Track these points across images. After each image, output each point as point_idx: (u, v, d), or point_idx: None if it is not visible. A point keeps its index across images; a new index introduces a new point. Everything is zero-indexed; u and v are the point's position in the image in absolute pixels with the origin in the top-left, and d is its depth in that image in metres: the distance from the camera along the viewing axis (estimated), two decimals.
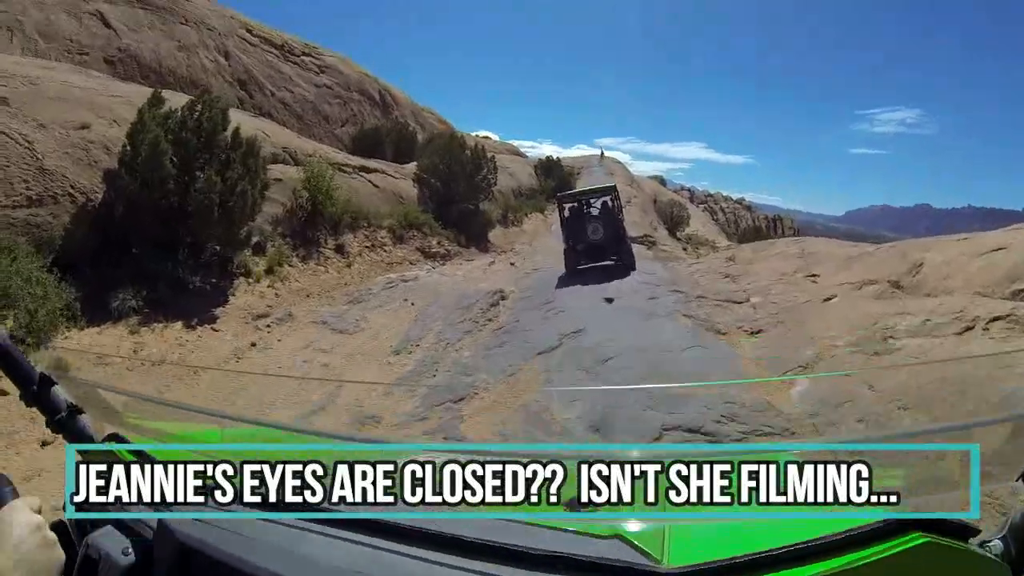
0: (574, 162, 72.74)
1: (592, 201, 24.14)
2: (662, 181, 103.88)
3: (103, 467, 1.57)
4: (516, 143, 68.26)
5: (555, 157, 63.10)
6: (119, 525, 1.61)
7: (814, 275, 19.06)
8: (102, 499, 1.54)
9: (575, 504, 1.40)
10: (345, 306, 18.87)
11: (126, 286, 15.45)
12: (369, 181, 30.26)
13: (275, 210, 22.33)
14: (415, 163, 35.53)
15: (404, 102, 55.13)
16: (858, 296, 15.81)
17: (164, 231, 16.91)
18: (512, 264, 29.18)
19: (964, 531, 1.27)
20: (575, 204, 24.07)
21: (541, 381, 12.00)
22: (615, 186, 25.86)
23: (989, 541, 1.36)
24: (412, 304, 19.10)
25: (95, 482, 1.54)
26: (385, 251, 25.89)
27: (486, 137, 68.45)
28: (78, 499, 1.55)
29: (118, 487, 1.53)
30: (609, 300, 17.62)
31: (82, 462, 1.64)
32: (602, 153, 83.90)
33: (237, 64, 37.80)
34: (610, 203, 23.73)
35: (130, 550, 1.52)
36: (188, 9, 36.34)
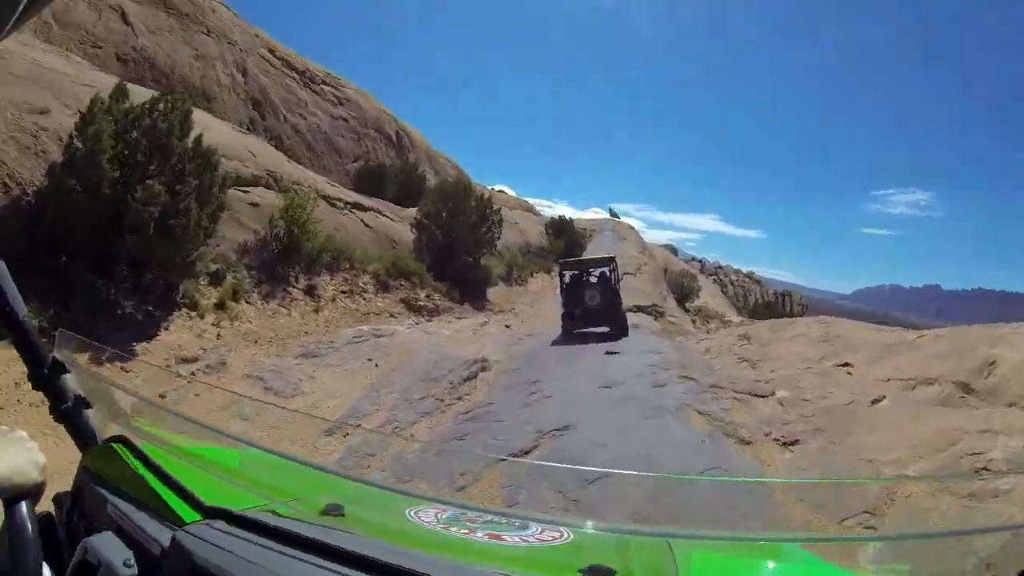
0: (587, 224, 70.23)
1: (591, 270, 24.12)
2: (673, 250, 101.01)
3: (105, 468, 1.73)
4: (531, 200, 65.62)
5: (568, 217, 60.66)
6: (119, 532, 1.52)
7: (846, 364, 15.68)
8: (102, 502, 1.62)
9: (591, 573, 1.38)
10: (295, 360, 15.44)
11: (32, 300, 11.98)
12: (361, 220, 27.36)
13: (244, 237, 19.72)
14: (417, 208, 32.37)
15: (420, 145, 52.65)
16: (915, 400, 12.35)
17: (98, 243, 13.88)
18: (507, 327, 25.70)
19: None
20: (575, 272, 23.90)
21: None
22: (614, 257, 25.65)
23: None
24: (376, 366, 15.72)
25: (95, 483, 1.70)
26: (364, 299, 22.66)
27: (501, 191, 65.97)
28: (75, 495, 1.74)
29: (120, 493, 1.63)
30: (607, 387, 14.10)
31: (84, 460, 1.81)
32: (611, 211, 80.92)
33: (254, 83, 35.40)
34: (608, 273, 23.71)
35: (132, 562, 1.42)
36: (212, 20, 34.13)
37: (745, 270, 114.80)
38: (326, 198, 25.74)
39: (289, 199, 21.21)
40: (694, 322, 41.64)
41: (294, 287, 20.25)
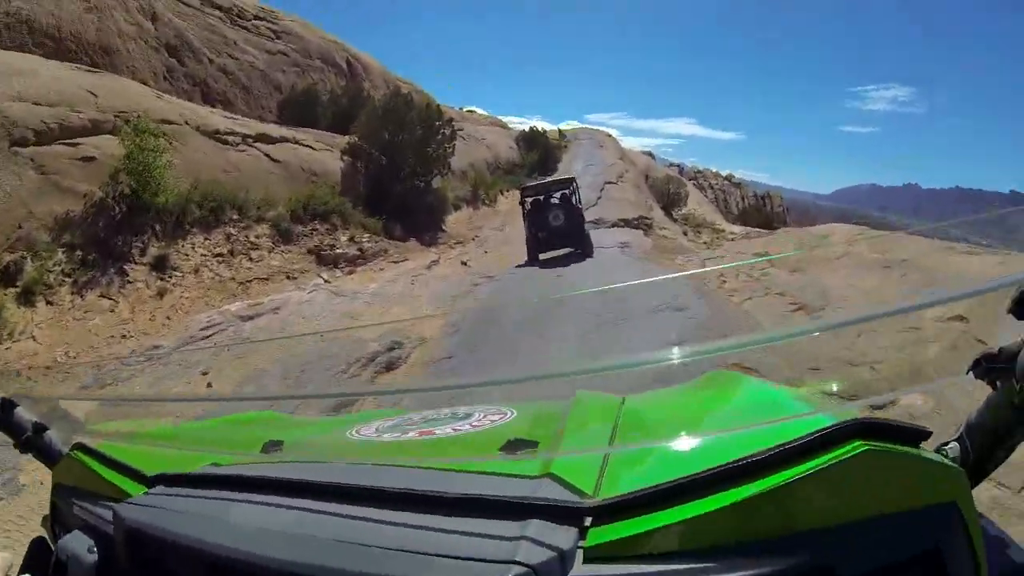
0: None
1: (553, 193, 22.61)
2: (651, 157, 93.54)
3: (69, 476, 1.67)
4: (505, 119, 57.84)
5: (540, 128, 52.56)
6: (85, 528, 1.47)
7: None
8: (71, 507, 1.58)
9: (511, 447, 1.30)
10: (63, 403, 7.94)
11: None
12: (266, 155, 20.47)
13: (68, 205, 13.85)
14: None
15: (376, 71, 44.94)
16: None
17: None
18: (464, 264, 19.51)
19: (914, 435, 1.01)
20: (537, 196, 22.25)
21: None
22: (574, 178, 24.16)
23: (946, 444, 1.17)
24: (209, 386, 9.05)
25: (64, 493, 1.64)
26: (251, 259, 15.86)
27: (471, 111, 58.09)
28: (52, 511, 1.69)
29: (82, 493, 1.58)
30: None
31: (53, 477, 1.73)
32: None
33: (166, 28, 28.92)
34: (569, 193, 22.26)
35: (94, 548, 1.38)
36: None
37: (724, 173, 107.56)
38: (213, 134, 19.27)
39: (130, 143, 14.53)
40: (685, 233, 34.82)
41: (136, 263, 13.58)
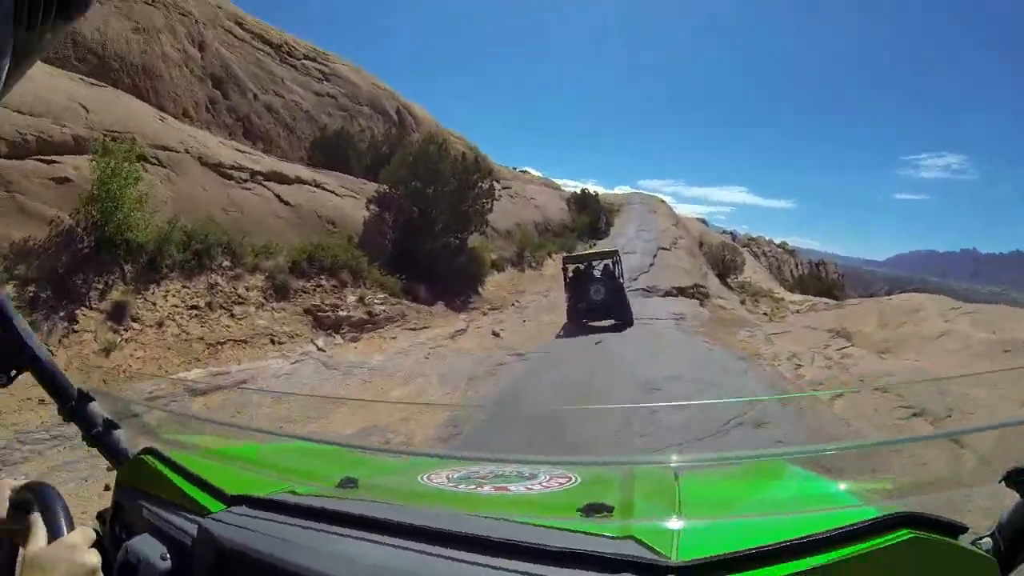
0: (615, 199, 59.37)
1: (595, 264, 21.95)
2: (704, 223, 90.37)
3: (138, 479, 1.72)
4: (558, 181, 55.39)
5: (592, 191, 49.58)
6: (155, 532, 1.52)
7: None
8: (138, 509, 1.62)
9: (589, 510, 1.39)
10: None
11: None
12: (277, 196, 18.00)
13: (30, 231, 11.59)
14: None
15: (428, 123, 42.46)
16: None
17: None
18: (496, 335, 16.67)
19: (953, 528, 1.15)
20: (578, 266, 21.66)
21: None
22: (617, 251, 23.17)
23: (980, 538, 1.20)
24: None
25: (130, 494, 1.69)
26: (231, 316, 13.08)
27: (524, 171, 55.84)
28: (114, 509, 1.74)
29: (152, 498, 1.63)
30: None
31: (118, 476, 1.77)
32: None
33: (213, 58, 27.71)
34: (612, 265, 21.49)
35: (167, 555, 1.42)
36: None
37: (777, 240, 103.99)
38: (215, 166, 16.80)
39: (102, 166, 12.05)
40: (743, 303, 31.72)
41: (90, 308, 10.96)
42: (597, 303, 19.05)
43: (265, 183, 18.02)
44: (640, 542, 1.17)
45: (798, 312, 25.17)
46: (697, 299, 26.25)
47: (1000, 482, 1.17)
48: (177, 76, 25.12)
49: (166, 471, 1.70)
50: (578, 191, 48.69)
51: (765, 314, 27.56)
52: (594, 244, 38.98)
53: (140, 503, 1.64)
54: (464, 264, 21.29)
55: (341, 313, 14.49)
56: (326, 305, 14.44)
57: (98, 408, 1.72)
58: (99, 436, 1.72)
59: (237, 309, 13.06)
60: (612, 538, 1.21)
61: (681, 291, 26.58)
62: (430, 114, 45.21)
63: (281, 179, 18.69)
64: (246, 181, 17.56)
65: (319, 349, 12.86)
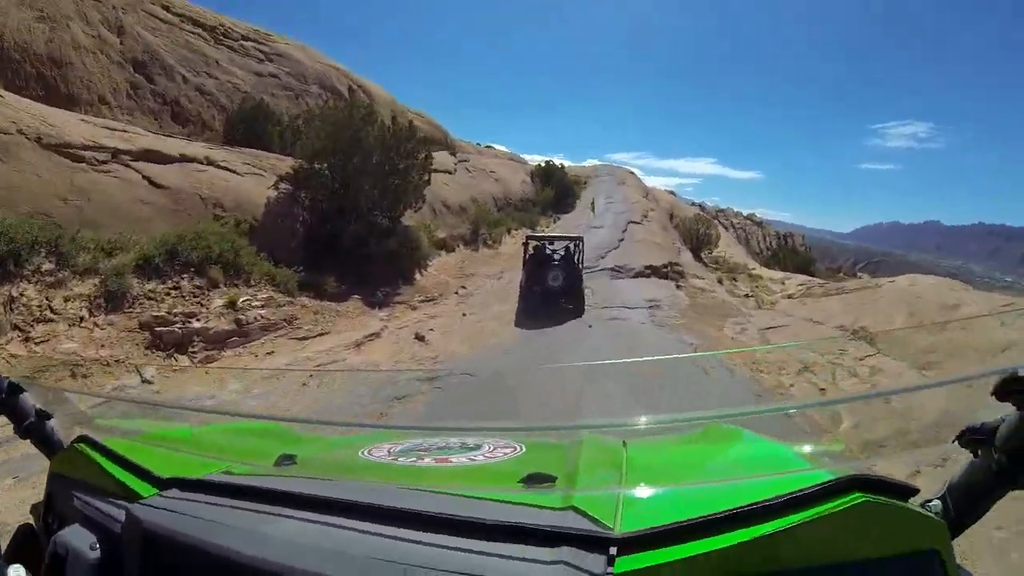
0: (582, 171, 54.77)
1: (558, 248, 19.38)
2: (674, 195, 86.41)
3: (70, 468, 1.60)
4: (526, 157, 51.05)
5: (558, 163, 44.99)
6: (87, 523, 1.40)
7: None
8: (69, 499, 1.51)
9: (531, 480, 1.35)
10: None
11: None
12: (147, 179, 13.93)
13: None
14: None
15: (384, 100, 37.90)
16: None
17: None
18: (420, 339, 12.35)
19: (904, 491, 1.12)
20: (540, 246, 19.02)
21: None
22: (582, 237, 19.69)
23: (930, 501, 1.23)
24: None
25: (63, 484, 1.57)
26: (27, 340, 8.94)
27: (489, 146, 51.51)
28: (47, 501, 1.62)
29: (84, 487, 1.51)
30: None
31: (52, 466, 1.67)
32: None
33: (134, 42, 24.70)
34: (572, 249, 18.85)
35: (97, 545, 1.32)
36: None
37: (745, 212, 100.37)
38: (61, 147, 12.76)
39: None
40: (720, 281, 27.28)
41: None
42: (554, 289, 16.99)
43: (132, 164, 13.80)
44: (582, 513, 1.12)
45: (790, 297, 20.98)
46: (672, 279, 22.44)
47: (953, 441, 1.18)
48: (91, 63, 22.49)
49: (99, 458, 1.57)
50: (541, 163, 44.35)
51: (747, 295, 23.53)
52: (558, 219, 35.36)
53: (72, 492, 1.50)
54: (394, 248, 16.95)
55: (195, 325, 10.23)
56: (174, 315, 10.18)
57: (29, 399, 1.67)
58: (31, 427, 1.66)
59: (39, 329, 8.94)
60: (553, 509, 1.16)
61: (654, 270, 22.68)
62: (387, 92, 40.88)
63: (157, 158, 14.43)
64: (104, 163, 13.40)
65: (145, 381, 8.63)
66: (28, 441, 1.66)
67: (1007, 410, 1.11)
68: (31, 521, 1.64)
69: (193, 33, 27.94)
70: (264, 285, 12.48)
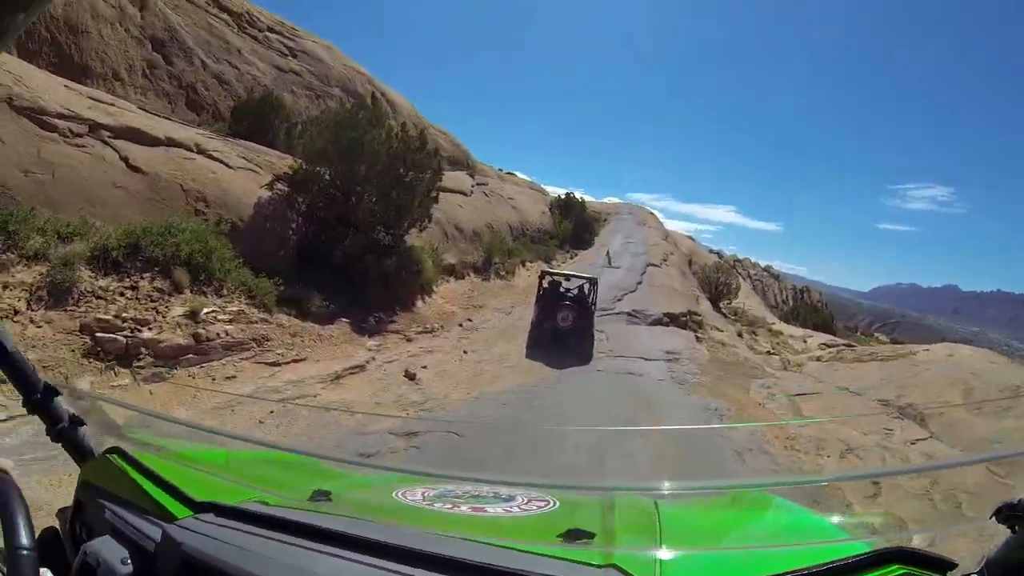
0: (603, 207, 53.06)
1: (572, 287, 18.30)
2: (693, 241, 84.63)
3: (102, 478, 1.61)
4: (547, 188, 49.47)
5: (578, 196, 43.09)
6: (118, 535, 1.40)
7: None
8: (100, 509, 1.51)
9: (571, 536, 1.33)
10: None
11: None
12: (124, 160, 12.38)
13: None
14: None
15: (405, 111, 36.93)
16: None
17: None
18: (411, 377, 10.79)
19: (943, 565, 1.14)
20: (555, 282, 17.91)
21: None
22: (597, 279, 18.61)
23: (969, 575, 1.18)
24: None
25: (93, 493, 1.57)
26: None
27: (511, 173, 49.93)
28: (76, 507, 1.61)
29: (115, 499, 1.52)
30: None
31: (82, 473, 1.67)
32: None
33: (156, 19, 23.33)
34: (587, 290, 17.84)
35: (129, 560, 1.31)
36: None
37: (763, 264, 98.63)
38: (33, 112, 11.43)
39: None
40: (740, 335, 25.61)
41: None
42: (562, 330, 16.19)
43: (111, 141, 12.31)
44: (623, 571, 1.11)
45: (818, 360, 19.29)
46: (691, 329, 20.76)
47: (991, 518, 1.13)
48: (109, 35, 21.21)
49: (132, 472, 1.60)
50: (562, 195, 42.45)
51: (769, 352, 21.88)
52: (575, 255, 33.64)
53: (103, 503, 1.51)
54: (392, 269, 15.07)
55: (144, 335, 8.61)
56: (123, 321, 8.58)
57: (64, 403, 1.64)
58: (64, 432, 1.63)
59: None
60: (595, 566, 1.14)
61: (673, 319, 21.03)
62: (410, 103, 39.56)
63: (143, 139, 12.91)
64: (79, 136, 11.93)
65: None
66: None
67: None
68: (56, 524, 1.59)
69: (218, 17, 26.93)
70: (237, 296, 10.86)
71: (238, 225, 12.85)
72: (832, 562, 1.03)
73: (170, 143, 13.46)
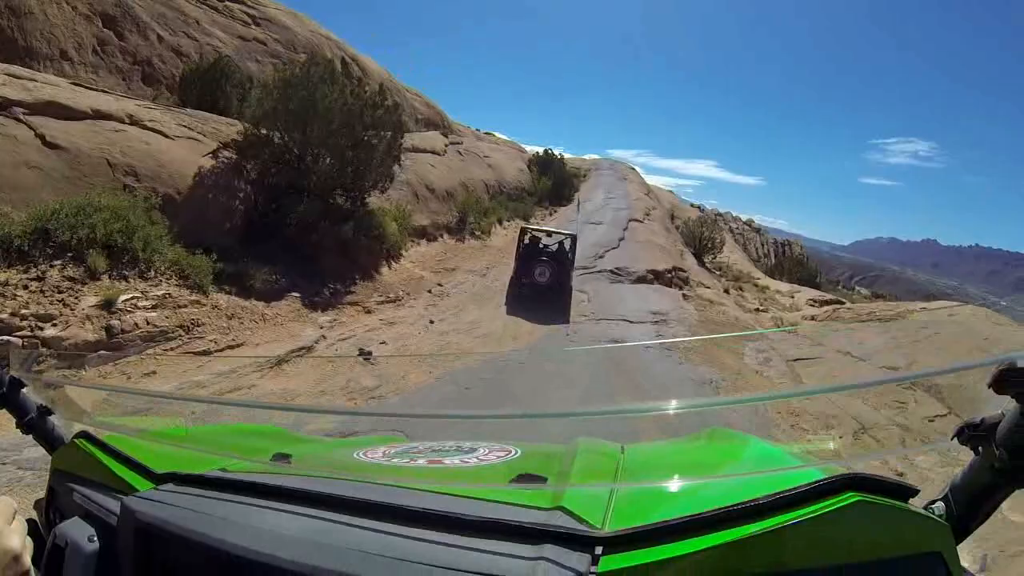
0: (583, 163, 51.34)
1: (552, 242, 17.88)
2: (673, 196, 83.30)
3: (71, 464, 1.59)
4: (526, 147, 47.72)
5: (556, 152, 41.36)
6: (86, 516, 1.41)
7: None
8: (69, 493, 1.50)
9: (521, 479, 1.33)
10: None
11: None
12: (40, 137, 10.69)
13: None
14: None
15: (377, 75, 34.99)
16: None
17: None
18: (366, 355, 9.34)
19: (902, 491, 1.07)
20: (535, 238, 17.80)
21: None
22: (576, 235, 18.08)
23: (933, 502, 1.20)
24: None
25: (64, 479, 1.55)
26: None
27: (489, 133, 47.40)
28: (49, 495, 1.61)
29: (84, 482, 1.51)
30: None
31: (53, 462, 1.65)
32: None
33: None
34: (567, 246, 17.41)
35: (95, 537, 1.32)
36: None
37: (744, 218, 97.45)
38: None
39: None
40: (727, 291, 24.31)
41: None
42: (540, 285, 16.08)
43: (28, 118, 10.73)
44: (569, 512, 1.09)
45: (813, 320, 18.04)
46: (677, 287, 19.71)
47: (952, 439, 1.12)
48: (54, 14, 19.36)
49: (98, 454, 1.57)
50: (540, 151, 40.88)
51: (758, 310, 20.88)
52: (555, 212, 32.49)
53: (72, 487, 1.50)
54: (349, 235, 13.66)
55: (47, 332, 7.26)
56: (23, 318, 7.24)
57: (31, 394, 1.66)
58: (33, 423, 1.65)
59: None
60: (540, 508, 1.13)
61: (657, 276, 19.89)
62: (383, 68, 37.82)
63: (65, 113, 11.37)
64: None
65: None
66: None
67: (1007, 404, 1.04)
68: (35, 517, 1.60)
69: None
70: (167, 278, 9.44)
71: (175, 199, 11.33)
72: (781, 492, 0.99)
73: (97, 115, 11.83)
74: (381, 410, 5.70)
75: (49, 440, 1.67)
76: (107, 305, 8.10)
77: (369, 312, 12.22)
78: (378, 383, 8.25)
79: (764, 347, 12.87)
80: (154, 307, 8.58)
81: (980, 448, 1.08)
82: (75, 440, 1.62)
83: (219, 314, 9.49)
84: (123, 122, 12.15)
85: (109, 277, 8.75)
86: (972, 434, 1.07)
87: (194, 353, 8.34)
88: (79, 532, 1.30)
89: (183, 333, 8.64)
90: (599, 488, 1.30)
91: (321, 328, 10.55)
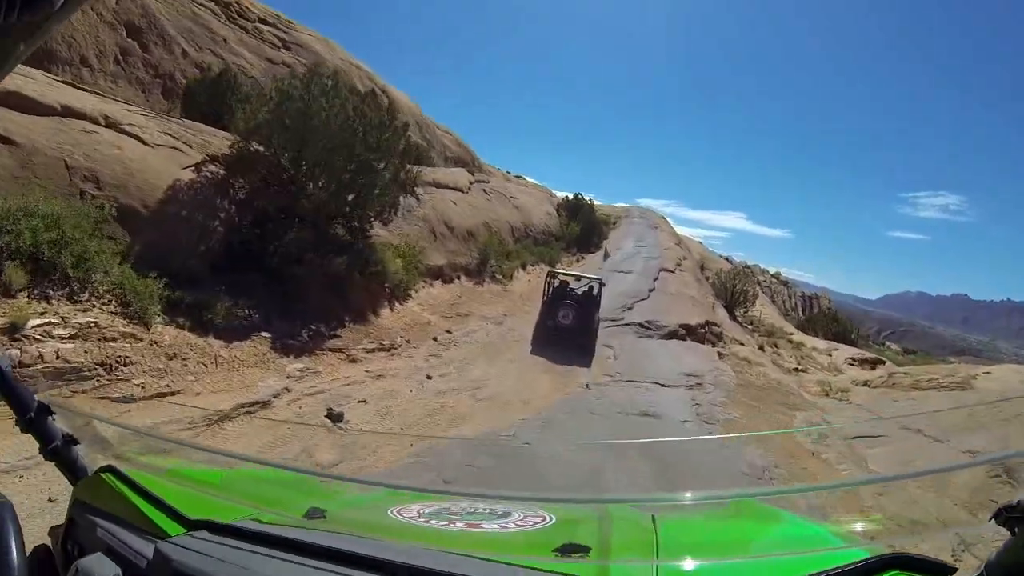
0: (612, 211, 49.18)
1: (578, 287, 17.62)
2: (702, 246, 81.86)
3: (95, 496, 1.54)
4: (555, 192, 46.33)
5: (586, 198, 39.65)
6: (110, 553, 1.33)
7: None
8: (92, 527, 1.45)
9: (566, 551, 1.28)
10: None
11: None
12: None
13: None
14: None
15: (407, 108, 33.76)
16: None
17: None
18: (335, 419, 7.71)
19: (942, 569, 1.12)
20: (563, 283, 17.46)
21: None
22: (602, 279, 17.86)
23: None
24: None
25: (86, 511, 1.51)
26: None
27: (519, 176, 45.91)
28: (68, 525, 1.53)
29: (109, 517, 1.46)
30: None
31: (75, 492, 1.60)
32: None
33: (132, 4, 20.74)
34: (595, 291, 17.08)
35: None
36: None
37: (772, 270, 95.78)
38: None
39: None
40: (762, 348, 22.45)
41: None
42: (564, 328, 15.60)
43: None
44: None
45: (866, 385, 15.93)
46: (710, 342, 17.81)
47: (990, 520, 1.09)
48: (78, 19, 18.76)
49: (125, 490, 1.54)
50: (570, 196, 39.23)
51: (796, 370, 19.09)
52: (582, 259, 30.80)
53: (95, 521, 1.44)
54: (341, 269, 11.73)
55: None
56: None
57: (58, 422, 1.59)
58: (57, 451, 1.58)
59: None
60: None
61: (690, 331, 17.92)
62: (413, 101, 36.54)
63: (27, 106, 9.76)
64: None
65: None
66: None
67: None
68: (48, 542, 1.53)
69: (203, 6, 24.16)
70: (106, 303, 7.68)
71: (139, 212, 9.64)
72: (830, 569, 1.00)
73: (66, 113, 10.23)
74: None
75: (72, 470, 1.59)
76: (11, 329, 6.30)
77: (354, 361, 10.36)
78: (340, 458, 6.45)
79: (813, 417, 10.90)
80: (72, 337, 6.76)
81: (1017, 529, 1.02)
82: (100, 473, 1.58)
83: (157, 352, 7.60)
84: (96, 123, 10.58)
85: (28, 296, 7.02)
86: (1009, 516, 1.01)
87: (113, 400, 6.51)
88: (104, 570, 1.20)
89: (103, 373, 6.80)
90: (641, 565, 1.24)
91: (288, 378, 8.69)
